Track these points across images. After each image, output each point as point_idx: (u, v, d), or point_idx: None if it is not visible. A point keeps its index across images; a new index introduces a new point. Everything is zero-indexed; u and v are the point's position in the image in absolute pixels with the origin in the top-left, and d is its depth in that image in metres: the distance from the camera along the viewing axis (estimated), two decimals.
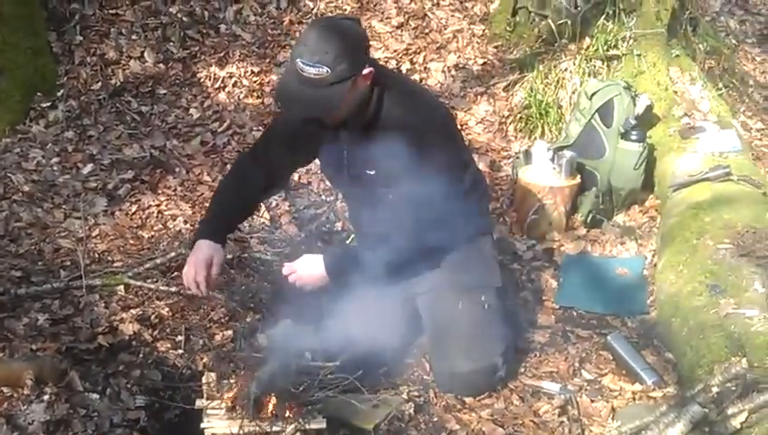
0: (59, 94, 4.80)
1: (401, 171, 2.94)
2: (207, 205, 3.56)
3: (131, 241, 3.92)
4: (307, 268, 3.08)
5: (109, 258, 3.78)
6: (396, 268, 3.04)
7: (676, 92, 4.77)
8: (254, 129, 4.83)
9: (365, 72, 2.89)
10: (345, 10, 5.58)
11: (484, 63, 5.40)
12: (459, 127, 4.15)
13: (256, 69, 5.19)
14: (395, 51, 5.36)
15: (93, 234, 3.93)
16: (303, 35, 2.93)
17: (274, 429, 2.67)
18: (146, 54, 5.11)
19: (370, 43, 3.42)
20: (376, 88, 2.97)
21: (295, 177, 4.51)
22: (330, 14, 5.52)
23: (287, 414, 2.68)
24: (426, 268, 3.20)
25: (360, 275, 3.00)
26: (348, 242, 3.53)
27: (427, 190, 2.90)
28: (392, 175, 2.99)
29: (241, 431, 2.66)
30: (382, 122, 2.99)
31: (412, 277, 3.21)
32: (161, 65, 5.10)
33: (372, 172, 3.06)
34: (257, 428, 2.66)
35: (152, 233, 3.98)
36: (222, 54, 5.24)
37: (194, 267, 3.09)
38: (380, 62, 3.87)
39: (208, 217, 3.28)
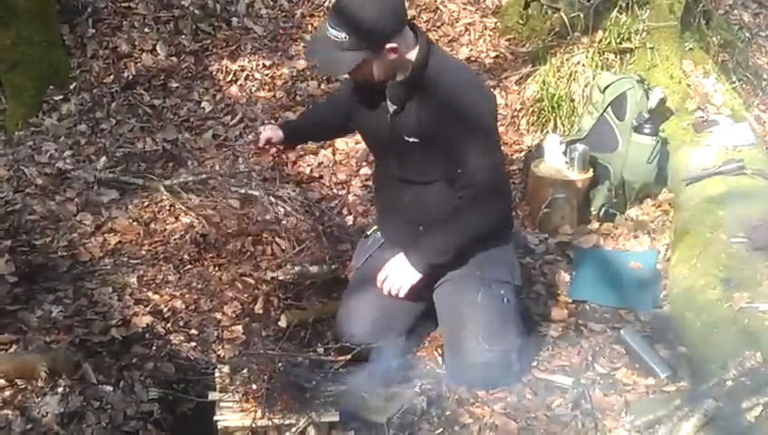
0: (71, 87, 4.81)
1: (448, 140, 3.00)
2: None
3: (143, 234, 3.92)
4: (396, 274, 3.15)
5: (121, 251, 3.79)
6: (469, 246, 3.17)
7: (689, 86, 4.75)
8: (266, 122, 4.82)
9: (390, 45, 2.89)
10: None
11: (497, 56, 5.39)
12: None
13: (268, 62, 5.19)
14: None
15: (106, 227, 3.93)
16: None
17: (287, 422, 2.68)
18: (158, 47, 5.11)
19: None
20: (420, 57, 2.99)
21: (307, 170, 4.53)
22: None
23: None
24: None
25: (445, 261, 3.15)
26: (368, 233, 3.53)
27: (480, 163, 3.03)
28: (437, 142, 3.03)
29: (253, 425, 2.66)
30: (428, 91, 3.01)
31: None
32: (173, 58, 5.10)
33: (412, 140, 3.07)
34: (269, 422, 2.66)
35: (164, 226, 3.98)
36: (234, 47, 5.24)
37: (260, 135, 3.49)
38: None
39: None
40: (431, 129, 3.01)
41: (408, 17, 3.62)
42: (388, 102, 3.09)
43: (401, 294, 3.15)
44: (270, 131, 3.47)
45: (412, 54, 2.97)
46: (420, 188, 3.18)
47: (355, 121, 3.37)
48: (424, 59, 2.98)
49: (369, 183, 3.67)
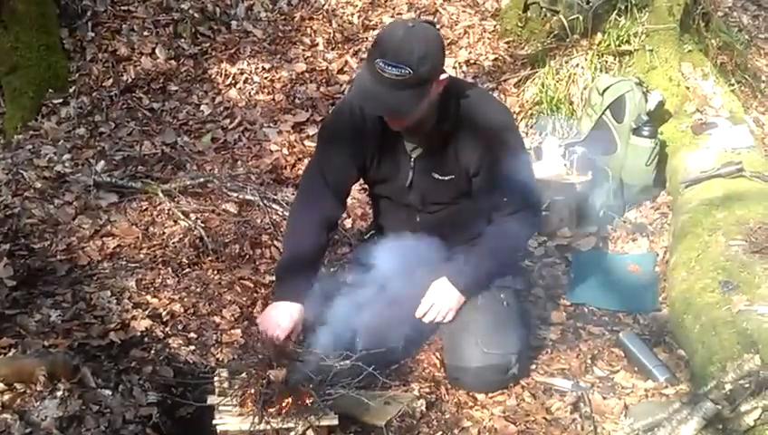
0: (71, 91, 4.82)
1: (493, 171, 3.04)
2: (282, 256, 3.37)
3: (142, 238, 3.92)
4: (443, 299, 3.18)
5: (120, 255, 3.79)
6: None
7: (688, 88, 4.75)
8: (265, 125, 4.83)
9: (442, 77, 2.88)
10: (356, 6, 5.58)
11: (496, 59, 5.39)
12: None
13: (267, 65, 5.19)
14: None
15: (105, 230, 3.93)
16: (386, 35, 2.86)
17: (286, 426, 2.67)
18: (157, 51, 5.11)
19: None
20: (453, 93, 2.99)
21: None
22: (340, 13, 5.54)
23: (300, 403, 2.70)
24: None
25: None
26: (366, 237, 3.53)
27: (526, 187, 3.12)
28: (478, 175, 3.08)
29: (252, 428, 2.66)
30: (464, 125, 3.02)
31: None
32: (172, 62, 5.11)
33: (447, 178, 3.10)
34: (268, 425, 2.66)
35: (163, 230, 3.98)
36: (233, 51, 5.24)
37: (271, 329, 2.95)
38: None
39: (283, 279, 3.14)
40: (473, 162, 3.05)
41: None
42: (408, 145, 3.09)
43: (447, 320, 3.18)
44: (286, 321, 2.96)
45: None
46: (432, 214, 3.22)
47: (372, 175, 3.25)
48: (457, 98, 3.00)
49: (367, 186, 3.65)
